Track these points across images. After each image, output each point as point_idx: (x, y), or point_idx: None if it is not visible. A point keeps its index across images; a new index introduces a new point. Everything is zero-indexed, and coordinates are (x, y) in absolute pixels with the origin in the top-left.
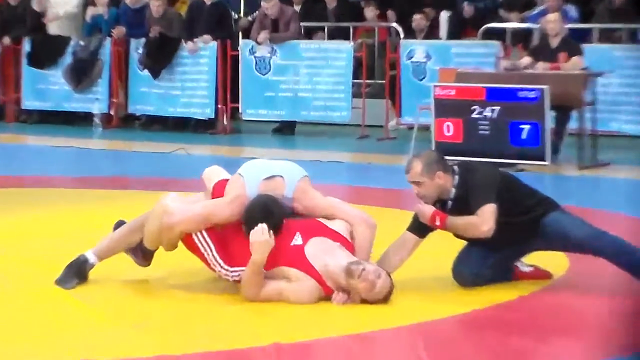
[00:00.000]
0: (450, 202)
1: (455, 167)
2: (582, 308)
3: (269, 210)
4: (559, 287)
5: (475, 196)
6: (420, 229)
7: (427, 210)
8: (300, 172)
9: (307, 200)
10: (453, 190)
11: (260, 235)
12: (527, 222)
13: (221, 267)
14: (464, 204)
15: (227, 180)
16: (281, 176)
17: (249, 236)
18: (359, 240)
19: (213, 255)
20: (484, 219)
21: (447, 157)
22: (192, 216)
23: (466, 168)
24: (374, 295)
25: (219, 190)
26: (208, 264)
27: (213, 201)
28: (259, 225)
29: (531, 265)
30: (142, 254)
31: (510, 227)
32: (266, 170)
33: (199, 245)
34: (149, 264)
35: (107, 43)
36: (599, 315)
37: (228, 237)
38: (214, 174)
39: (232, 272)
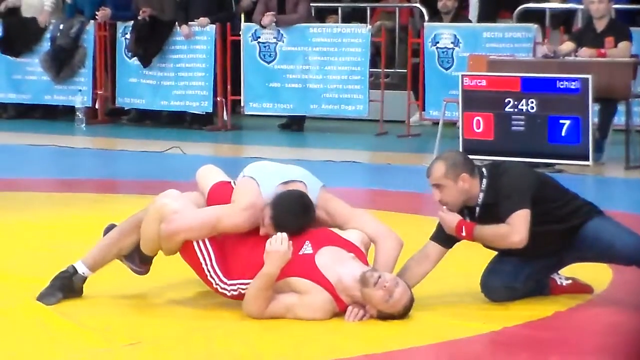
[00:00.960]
0: (477, 209)
1: (484, 170)
2: (624, 326)
3: (308, 207)
4: (600, 303)
5: (506, 202)
6: (445, 238)
7: (452, 219)
8: (317, 179)
9: (332, 208)
10: (481, 195)
11: (279, 244)
12: (565, 230)
13: (219, 279)
14: (493, 211)
15: (225, 183)
16: (302, 182)
17: (271, 241)
18: (382, 256)
19: (212, 265)
20: (515, 228)
21: (476, 157)
22: (198, 224)
23: (496, 170)
24: (392, 305)
25: (216, 195)
26: (204, 276)
27: (223, 207)
28: (279, 233)
29: (570, 278)
30: (140, 260)
31: (545, 236)
32: (282, 174)
33: (199, 253)
34: (147, 271)
35: (91, 27)
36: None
37: (228, 247)
38: (209, 175)
39: (230, 285)
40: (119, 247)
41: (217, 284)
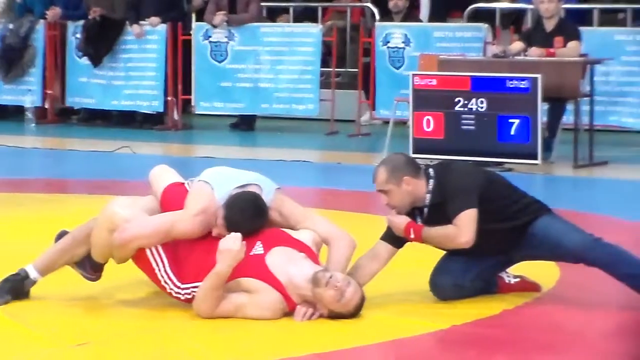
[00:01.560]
0: (426, 210)
1: (430, 170)
2: (570, 324)
3: (261, 209)
4: (547, 301)
5: (453, 202)
6: (395, 238)
7: (400, 221)
8: (272, 182)
9: (286, 210)
10: (428, 196)
11: (232, 243)
12: (513, 229)
13: (173, 284)
14: (442, 211)
15: (179, 184)
16: (257, 185)
17: (223, 241)
18: (335, 256)
19: (165, 271)
20: (462, 229)
21: (427, 156)
22: (150, 232)
23: (443, 170)
24: (343, 305)
25: (169, 197)
26: (158, 281)
27: (175, 214)
28: (232, 233)
29: (518, 277)
30: (91, 267)
31: (493, 235)
32: (237, 178)
33: (151, 259)
34: (99, 278)
35: (41, 27)
36: (589, 331)
37: (181, 252)
38: (163, 175)
39: (183, 289)
40: (71, 254)
41: (171, 289)
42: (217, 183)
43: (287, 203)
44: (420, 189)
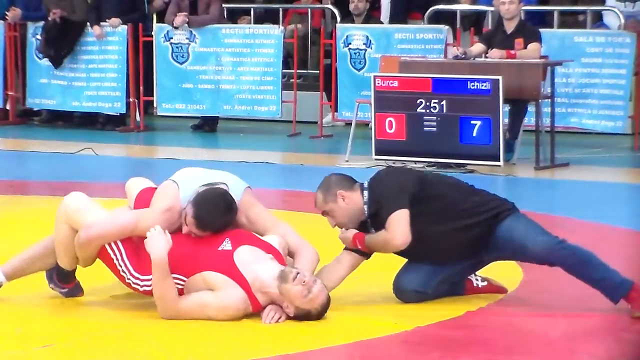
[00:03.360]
0: (368, 221)
1: (365, 183)
2: (533, 325)
3: (230, 205)
4: (510, 302)
5: (384, 207)
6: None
7: (348, 235)
8: (242, 182)
9: (254, 214)
10: (365, 208)
11: (157, 234)
12: (478, 233)
13: (130, 274)
14: (380, 220)
15: (152, 189)
16: (224, 184)
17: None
18: (302, 262)
19: (123, 260)
20: (393, 231)
21: (389, 158)
22: (115, 229)
23: (374, 180)
24: (310, 301)
25: (143, 199)
26: (117, 271)
27: (140, 211)
28: (155, 227)
29: (485, 279)
30: (59, 279)
31: (445, 237)
32: (204, 177)
33: (108, 249)
34: (73, 290)
35: (0, 27)
36: (552, 332)
37: (142, 244)
38: (136, 184)
39: (142, 281)
40: (41, 263)
41: (129, 279)
42: (183, 182)
43: (255, 207)
44: (357, 201)
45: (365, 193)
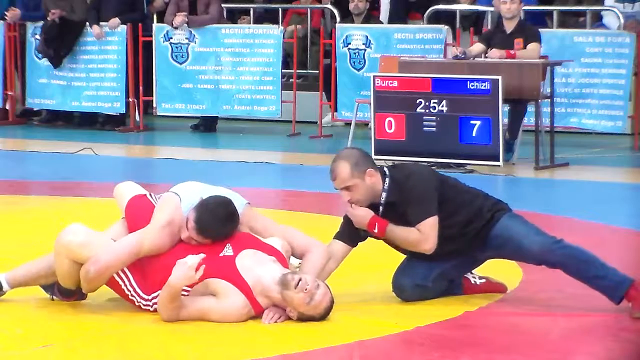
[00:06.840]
0: (381, 207)
1: (385, 169)
2: (532, 325)
3: (232, 214)
4: (510, 302)
5: (416, 207)
6: (351, 236)
7: (365, 214)
8: (242, 198)
9: (259, 224)
10: (384, 194)
11: (190, 259)
12: (472, 231)
13: (140, 297)
14: (397, 210)
15: (142, 196)
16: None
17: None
18: (309, 262)
19: (131, 284)
20: (426, 236)
21: (389, 158)
22: (121, 256)
23: (399, 171)
24: (313, 308)
25: (133, 210)
26: (125, 296)
27: (142, 231)
28: (192, 257)
29: (483, 278)
30: (62, 294)
31: (454, 237)
32: (206, 191)
33: (116, 277)
34: (79, 296)
35: (0, 28)
36: (551, 332)
37: (145, 262)
38: (126, 191)
39: (151, 300)
40: (45, 279)
41: (139, 302)
42: (185, 194)
43: (259, 218)
44: (379, 183)
45: (387, 180)
